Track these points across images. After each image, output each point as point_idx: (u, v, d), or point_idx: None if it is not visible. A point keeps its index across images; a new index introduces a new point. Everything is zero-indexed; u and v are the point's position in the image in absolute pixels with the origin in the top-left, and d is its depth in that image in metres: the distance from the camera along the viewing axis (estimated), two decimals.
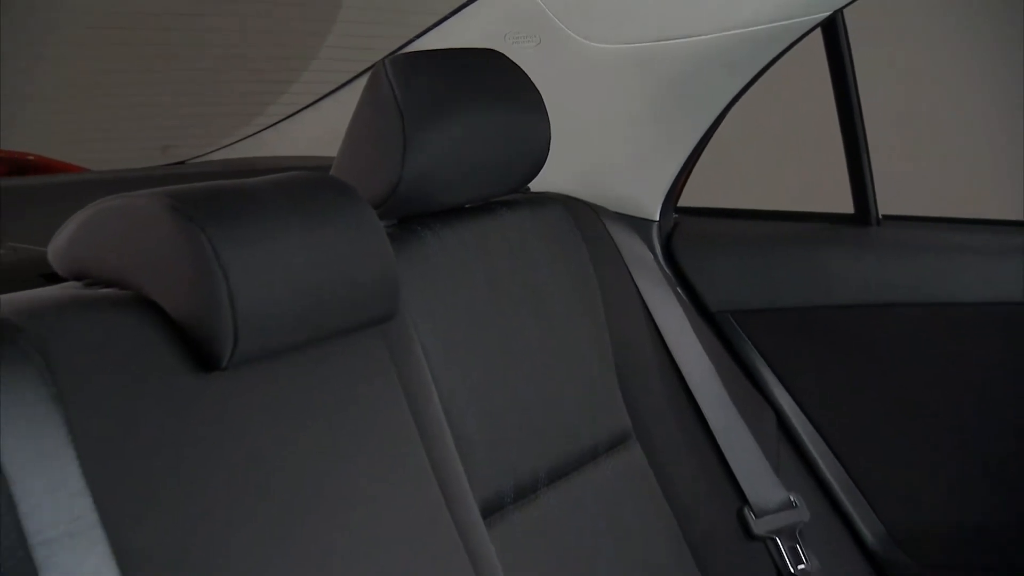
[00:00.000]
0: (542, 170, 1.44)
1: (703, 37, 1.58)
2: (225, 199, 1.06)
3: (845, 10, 1.61)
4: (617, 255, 1.59)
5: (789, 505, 1.59)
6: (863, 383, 1.68)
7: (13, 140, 1.86)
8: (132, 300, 1.03)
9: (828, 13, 1.58)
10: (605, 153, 1.67)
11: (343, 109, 1.35)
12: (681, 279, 1.73)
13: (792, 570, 1.57)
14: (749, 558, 1.57)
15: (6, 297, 0.99)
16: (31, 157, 1.86)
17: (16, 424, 0.88)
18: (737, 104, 1.67)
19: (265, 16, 2.10)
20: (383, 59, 1.29)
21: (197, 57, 2.26)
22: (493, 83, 1.38)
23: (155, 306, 1.03)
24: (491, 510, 1.28)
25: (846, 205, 1.71)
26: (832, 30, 1.65)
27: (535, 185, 1.49)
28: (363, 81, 1.31)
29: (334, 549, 1.08)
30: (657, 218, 1.73)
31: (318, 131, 1.81)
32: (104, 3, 2.31)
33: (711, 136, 1.71)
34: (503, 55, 1.41)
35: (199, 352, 1.02)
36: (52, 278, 1.11)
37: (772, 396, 1.72)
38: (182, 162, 1.95)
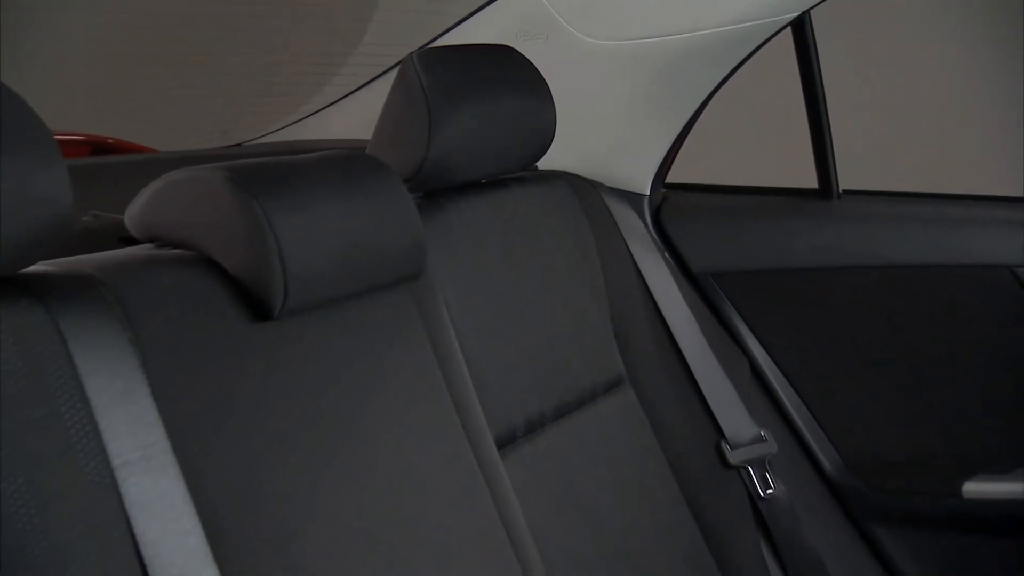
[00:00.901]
0: (548, 150, 1.44)
1: (688, 35, 1.58)
2: (276, 173, 1.06)
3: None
4: (613, 225, 1.59)
5: (760, 439, 1.60)
6: (824, 334, 1.68)
7: (94, 125, 1.85)
8: (196, 259, 1.04)
9: (797, 14, 1.57)
10: (603, 136, 1.67)
11: (377, 98, 1.34)
12: (668, 245, 1.73)
13: (762, 494, 1.59)
14: (725, 484, 1.57)
15: (90, 256, 0.99)
16: (110, 140, 1.86)
17: (99, 364, 0.88)
18: (721, 92, 1.67)
19: (309, 17, 2.09)
20: (411, 53, 1.29)
21: (254, 52, 2.25)
22: (506, 74, 1.38)
23: (216, 265, 1.03)
24: (504, 442, 1.28)
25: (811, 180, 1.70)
26: (800, 29, 1.64)
27: (542, 164, 1.49)
28: (394, 73, 1.31)
29: (371, 474, 1.09)
30: (648, 193, 1.72)
31: (355, 117, 1.81)
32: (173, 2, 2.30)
33: (695, 121, 1.70)
34: (515, 50, 1.41)
35: (254, 304, 1.03)
36: (128, 241, 1.11)
37: (746, 346, 1.72)
38: (239, 144, 1.95)
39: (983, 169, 2.36)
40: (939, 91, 2.48)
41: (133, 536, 0.86)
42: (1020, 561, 1.60)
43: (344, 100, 1.81)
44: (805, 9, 1.57)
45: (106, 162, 1.70)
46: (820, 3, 1.55)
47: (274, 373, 1.03)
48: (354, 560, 1.03)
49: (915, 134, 2.47)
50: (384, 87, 1.33)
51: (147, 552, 0.87)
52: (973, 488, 1.58)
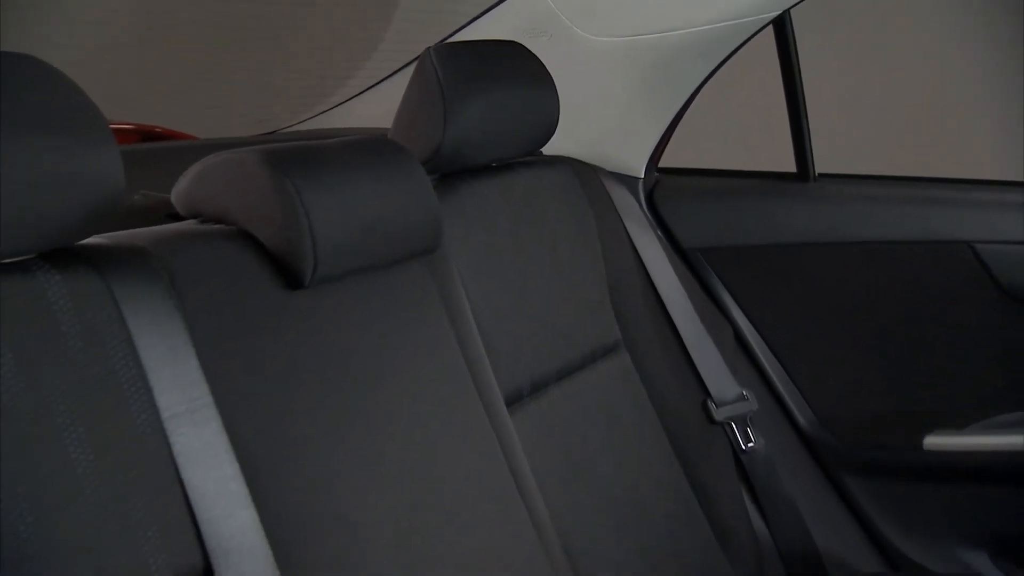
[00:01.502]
0: (552, 137, 1.43)
1: (679, 32, 1.57)
2: (306, 155, 1.07)
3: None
4: (611, 205, 1.58)
5: (742, 398, 1.60)
6: (801, 304, 1.68)
7: (142, 115, 1.85)
8: (235, 233, 1.04)
9: (778, 12, 1.57)
10: (601, 124, 1.66)
11: (396, 89, 1.34)
12: (661, 224, 1.73)
13: (743, 448, 1.60)
14: (711, 439, 1.58)
15: (140, 231, 1.00)
16: (158, 129, 1.87)
17: (149, 327, 0.89)
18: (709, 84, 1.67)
19: (337, 17, 2.08)
20: (428, 48, 1.28)
21: (287, 48, 2.24)
22: (514, 68, 1.38)
23: (252, 238, 1.04)
24: (512, 401, 1.28)
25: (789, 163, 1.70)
26: (781, 26, 1.63)
27: (546, 149, 1.48)
28: (412, 67, 1.30)
29: (392, 427, 1.09)
30: (642, 176, 1.72)
31: (378, 107, 1.81)
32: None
33: (685, 111, 1.70)
34: (522, 46, 1.40)
35: (286, 274, 1.03)
36: (174, 217, 1.12)
37: (730, 314, 1.72)
38: (272, 132, 1.95)
39: (980, 155, 2.31)
40: (936, 81, 2.43)
41: (181, 481, 0.87)
42: (973, 506, 1.60)
43: (367, 92, 1.81)
44: (785, 8, 1.57)
45: (153, 148, 1.71)
46: (800, 2, 1.55)
47: (305, 336, 1.03)
48: (377, 505, 1.04)
49: (913, 123, 2.42)
50: (403, 80, 1.33)
51: (193, 495, 0.87)
52: (933, 442, 1.58)
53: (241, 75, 2.28)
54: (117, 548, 0.82)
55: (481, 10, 1.62)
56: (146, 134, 1.84)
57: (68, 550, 0.79)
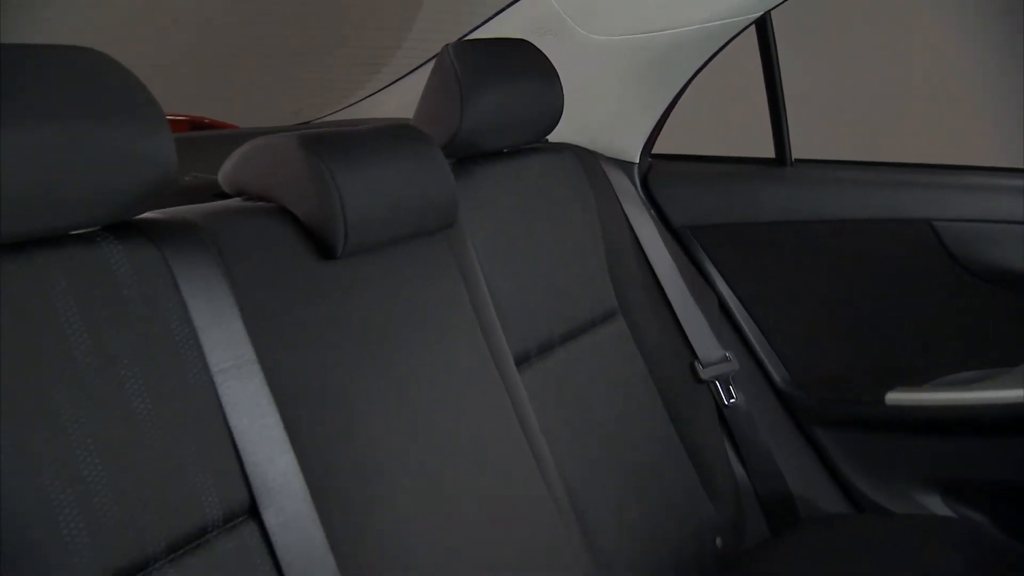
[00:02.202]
0: (557, 126, 1.43)
1: (671, 31, 1.56)
2: (338, 140, 1.07)
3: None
4: (609, 187, 1.58)
5: (725, 360, 1.61)
6: (778, 275, 1.68)
7: (190, 106, 1.85)
8: (275, 209, 1.05)
9: (760, 13, 1.56)
10: (601, 114, 1.66)
11: (417, 84, 1.34)
12: (654, 204, 1.72)
13: (726, 403, 1.60)
14: (697, 396, 1.59)
15: (191, 207, 1.00)
16: (206, 120, 1.87)
17: (199, 292, 0.89)
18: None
19: (366, 17, 2.07)
20: (446, 45, 1.28)
21: (320, 46, 2.23)
22: (523, 63, 1.37)
23: (290, 213, 1.04)
24: (521, 360, 1.28)
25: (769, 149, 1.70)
26: (763, 26, 1.62)
27: (551, 137, 1.48)
28: (432, 64, 1.30)
29: (415, 382, 1.10)
30: (637, 161, 1.71)
31: (401, 100, 1.80)
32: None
33: (676, 103, 1.69)
34: (531, 43, 1.40)
35: (320, 245, 1.04)
36: (221, 195, 1.12)
37: (715, 285, 1.72)
38: (307, 122, 1.95)
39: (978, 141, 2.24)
40: (932, 71, 2.35)
41: (228, 429, 0.88)
42: (927, 454, 1.61)
43: (392, 86, 1.80)
44: (766, 10, 1.56)
45: (202, 136, 1.71)
46: (779, 5, 1.54)
47: (336, 302, 1.04)
48: (403, 450, 1.05)
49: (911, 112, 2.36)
50: (424, 74, 1.33)
51: (240, 441, 0.88)
52: (893, 397, 1.58)
53: (279, 72, 2.28)
54: (173, 487, 0.83)
55: (494, 11, 1.61)
56: (196, 124, 1.84)
57: (130, 487, 0.80)
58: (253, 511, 0.88)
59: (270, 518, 0.88)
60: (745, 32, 1.59)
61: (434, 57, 1.31)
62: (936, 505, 1.61)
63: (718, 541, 1.48)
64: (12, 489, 0.72)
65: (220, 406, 0.88)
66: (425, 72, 1.33)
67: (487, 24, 1.62)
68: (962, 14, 2.22)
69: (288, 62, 2.29)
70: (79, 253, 0.82)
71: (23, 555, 0.72)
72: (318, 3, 2.20)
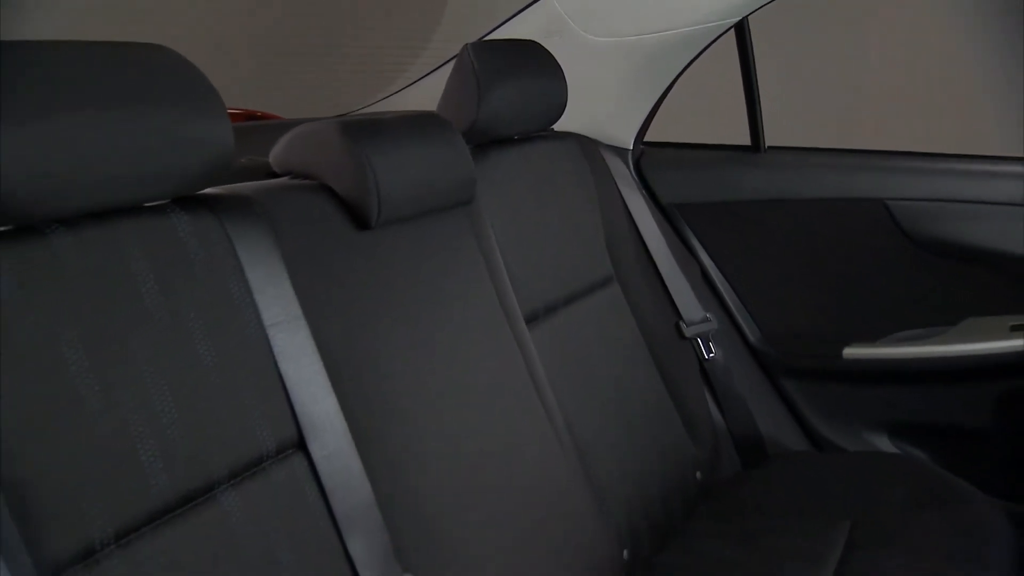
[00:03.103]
0: (561, 117, 1.43)
1: (660, 33, 1.56)
2: (373, 126, 1.07)
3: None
4: (607, 170, 1.58)
5: (706, 320, 1.60)
6: (752, 246, 1.68)
7: (245, 101, 1.84)
8: (318, 186, 1.05)
9: (739, 18, 1.55)
10: (600, 106, 1.65)
11: (441, 81, 1.33)
12: (645, 185, 1.72)
13: (706, 357, 1.60)
14: (681, 351, 1.58)
15: (246, 184, 1.01)
16: (258, 113, 1.87)
17: (255, 257, 0.90)
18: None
19: (396, 18, 2.03)
20: (466, 45, 1.28)
21: (355, 44, 2.20)
22: (532, 61, 1.37)
23: (331, 190, 1.05)
24: (530, 320, 1.28)
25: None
26: (741, 28, 1.61)
27: (556, 127, 1.48)
28: (454, 62, 1.30)
29: (439, 338, 1.10)
30: (631, 147, 1.70)
31: (426, 94, 1.79)
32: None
33: (665, 97, 1.68)
34: (539, 44, 1.39)
35: (357, 218, 1.04)
36: (272, 175, 1.12)
37: (697, 254, 1.71)
38: (345, 113, 1.94)
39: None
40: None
41: (280, 374, 0.88)
42: (878, 400, 1.61)
43: (418, 82, 1.80)
44: (743, 15, 1.55)
45: (255, 125, 1.71)
46: (756, 11, 1.53)
47: (371, 268, 1.04)
48: (429, 395, 1.05)
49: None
50: (446, 72, 1.33)
51: (289, 385, 0.89)
52: (849, 351, 1.59)
53: (319, 68, 2.26)
54: (234, 423, 0.83)
55: (508, 15, 1.60)
56: (249, 116, 1.84)
57: (197, 423, 0.81)
58: (301, 445, 0.89)
59: (315, 451, 0.89)
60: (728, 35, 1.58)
61: (454, 57, 1.31)
62: (884, 444, 1.62)
63: (698, 475, 1.49)
64: (97, 423, 0.73)
65: (272, 355, 0.88)
66: (447, 70, 1.33)
67: (501, 27, 1.61)
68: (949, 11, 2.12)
69: (327, 63, 2.27)
70: (152, 222, 0.83)
71: (106, 479, 0.73)
72: (355, 13, 2.18)
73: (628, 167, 1.68)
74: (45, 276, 0.73)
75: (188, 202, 0.88)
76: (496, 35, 1.66)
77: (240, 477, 0.83)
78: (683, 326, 1.58)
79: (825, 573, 1.21)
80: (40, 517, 0.68)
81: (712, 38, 1.58)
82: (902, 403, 1.58)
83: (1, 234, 0.73)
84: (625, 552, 1.26)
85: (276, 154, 1.12)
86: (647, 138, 1.75)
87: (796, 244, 1.63)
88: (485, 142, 1.33)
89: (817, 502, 1.39)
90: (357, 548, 0.89)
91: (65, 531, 0.69)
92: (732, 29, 1.59)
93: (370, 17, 2.18)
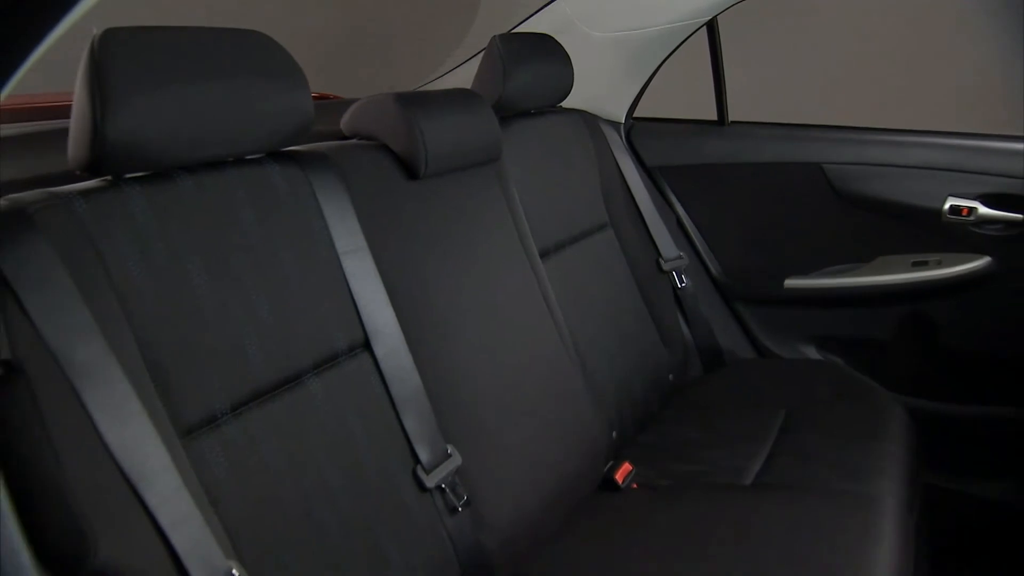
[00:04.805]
0: (569, 95, 1.41)
1: (646, 29, 1.52)
2: (422, 98, 1.06)
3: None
4: (604, 139, 1.55)
5: (679, 258, 1.59)
6: (716, 199, 1.66)
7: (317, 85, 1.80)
8: (379, 146, 1.04)
9: (710, 17, 1.52)
10: (599, 88, 1.62)
11: (476, 66, 1.31)
12: (634, 151, 1.69)
13: (679, 286, 1.58)
14: (660, 282, 1.57)
15: (323, 143, 1.01)
16: (329, 95, 1.84)
17: (330, 200, 0.90)
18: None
19: (443, 15, 1.96)
20: (494, 36, 1.25)
21: (405, 36, 2.13)
22: (546, 50, 1.34)
23: (389, 148, 1.04)
24: (543, 255, 1.28)
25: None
26: (711, 26, 1.57)
27: (564, 104, 1.46)
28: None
29: (473, 267, 1.09)
30: (623, 121, 1.68)
31: (465, 76, 1.77)
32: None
33: (651, 80, 1.65)
34: (552, 37, 1.37)
35: (409, 170, 1.03)
36: (342, 137, 1.12)
37: (674, 206, 1.69)
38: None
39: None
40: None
41: (350, 291, 0.89)
42: (810, 319, 1.60)
43: (457, 68, 1.77)
44: (714, 15, 1.51)
45: (326, 103, 1.69)
46: (724, 11, 1.48)
47: (419, 210, 1.04)
48: (462, 311, 1.05)
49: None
50: (476, 63, 1.31)
51: (358, 300, 0.90)
52: (790, 283, 1.58)
53: (376, 61, 2.21)
54: (316, 327, 0.85)
55: (528, 14, 1.57)
56: (321, 96, 1.81)
57: (288, 325, 0.82)
58: (366, 345, 0.90)
59: (377, 350, 0.90)
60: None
61: (482, 51, 1.29)
62: (812, 352, 1.62)
63: (670, 376, 1.50)
64: (211, 322, 0.75)
65: (344, 276, 0.89)
66: (476, 61, 1.31)
67: (523, 24, 1.58)
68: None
69: (381, 55, 2.21)
70: (252, 171, 0.83)
71: (223, 367, 0.75)
72: (405, 14, 2.11)
73: (621, 137, 1.66)
74: (173, 209, 0.75)
75: (279, 156, 0.88)
76: (518, 29, 1.62)
77: (321, 368, 0.85)
78: (661, 262, 1.57)
79: (764, 448, 1.23)
80: (176, 393, 0.70)
81: (688, 33, 1.55)
82: (827, 321, 1.58)
83: (141, 178, 0.74)
84: (614, 433, 1.28)
85: (345, 121, 1.11)
86: (636, 113, 1.72)
87: (751, 198, 1.61)
88: (509, 115, 1.31)
89: (760, 397, 1.40)
90: (411, 424, 0.91)
91: (194, 403, 0.72)
92: (704, 27, 1.56)
93: (416, 14, 2.11)
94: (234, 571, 0.66)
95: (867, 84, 1.94)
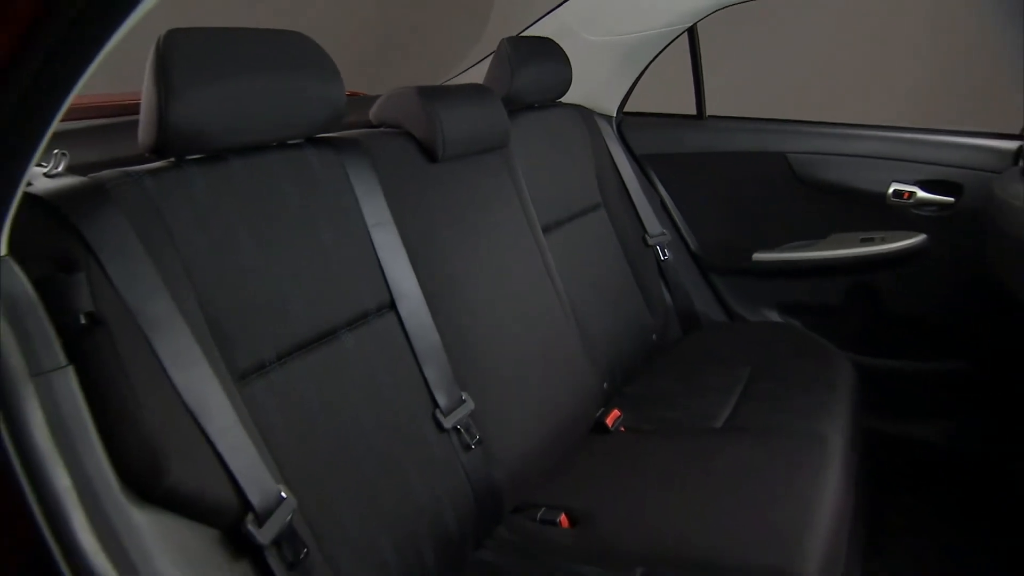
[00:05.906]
0: (567, 92, 1.39)
1: (636, 34, 1.50)
2: (441, 91, 1.05)
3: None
4: (598, 131, 1.53)
5: (663, 234, 1.58)
6: (695, 184, 1.64)
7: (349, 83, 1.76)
8: (403, 133, 1.04)
9: (690, 24, 1.49)
10: (593, 85, 1.59)
11: (486, 67, 1.29)
12: (624, 141, 1.67)
13: (662, 259, 1.57)
14: (646, 254, 1.55)
15: (354, 131, 1.00)
16: (359, 92, 1.81)
17: (360, 178, 0.90)
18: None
19: (462, 20, 1.91)
20: (503, 39, 1.23)
21: (428, 39, 2.08)
22: (548, 52, 1.33)
23: (412, 135, 1.03)
24: (545, 230, 1.27)
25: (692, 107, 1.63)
26: (692, 32, 1.54)
27: (564, 99, 1.44)
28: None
29: (485, 240, 1.09)
30: (615, 115, 1.65)
31: (478, 74, 1.74)
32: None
33: (640, 78, 1.62)
34: (553, 41, 1.35)
35: (429, 154, 1.02)
36: (372, 125, 1.11)
37: (658, 189, 1.67)
38: None
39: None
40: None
41: (378, 260, 0.89)
42: (773, 288, 1.59)
43: (471, 68, 1.74)
44: (694, 22, 1.49)
45: (356, 99, 1.67)
46: (705, 18, 1.45)
47: (438, 189, 1.03)
48: (475, 279, 1.05)
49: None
50: (486, 65, 1.28)
51: (384, 266, 0.89)
52: (758, 256, 1.57)
53: (398, 63, 2.16)
54: (349, 288, 0.85)
55: (534, 19, 1.54)
56: (352, 94, 1.78)
57: (325, 287, 0.81)
58: (392, 306, 0.90)
59: (402, 310, 0.90)
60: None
61: (491, 54, 1.26)
62: (775, 316, 1.62)
63: (654, 337, 1.50)
64: (259, 284, 0.75)
65: (373, 247, 0.89)
66: (486, 64, 1.28)
67: (527, 29, 1.55)
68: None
69: (404, 58, 2.17)
70: (292, 153, 0.83)
71: (270, 321, 0.75)
72: (425, 22, 2.06)
73: (613, 128, 1.64)
74: (226, 187, 0.74)
75: (316, 141, 0.87)
76: (524, 33, 1.59)
77: (353, 325, 0.85)
78: (647, 237, 1.56)
79: (733, 397, 1.23)
80: (231, 343, 0.71)
81: (672, 38, 1.53)
82: (789, 289, 1.58)
83: (199, 159, 0.74)
84: (605, 384, 1.28)
85: (374, 111, 1.10)
86: (627, 108, 1.69)
87: (725, 183, 1.60)
88: (516, 108, 1.30)
89: (731, 354, 1.40)
90: (430, 374, 0.91)
91: (246, 353, 0.72)
92: (686, 32, 1.53)
93: (435, 23, 2.07)
94: (283, 492, 0.68)
95: (828, 83, 1.92)
